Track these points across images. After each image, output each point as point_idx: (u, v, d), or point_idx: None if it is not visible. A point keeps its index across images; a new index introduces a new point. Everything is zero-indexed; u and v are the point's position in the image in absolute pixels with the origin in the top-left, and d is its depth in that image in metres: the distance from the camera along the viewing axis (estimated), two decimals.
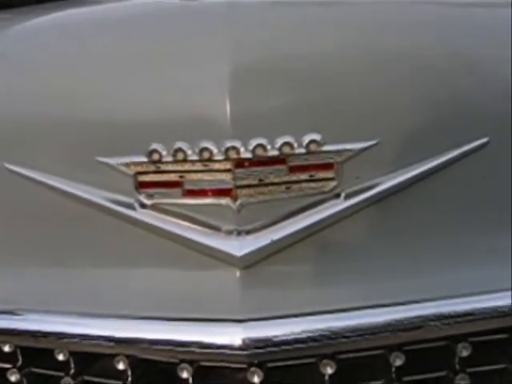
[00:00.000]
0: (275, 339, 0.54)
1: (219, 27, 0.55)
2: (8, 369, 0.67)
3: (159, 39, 0.58)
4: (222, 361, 0.58)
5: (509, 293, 0.57)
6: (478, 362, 0.63)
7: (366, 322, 0.55)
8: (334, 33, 0.57)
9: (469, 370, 0.63)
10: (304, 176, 0.55)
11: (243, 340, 0.54)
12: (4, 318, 0.61)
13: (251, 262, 0.56)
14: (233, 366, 0.61)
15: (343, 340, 0.55)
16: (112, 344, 0.58)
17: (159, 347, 0.57)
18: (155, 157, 0.55)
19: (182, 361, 0.61)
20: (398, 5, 0.59)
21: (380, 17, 0.58)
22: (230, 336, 0.54)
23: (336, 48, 0.56)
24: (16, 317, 0.61)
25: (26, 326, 0.60)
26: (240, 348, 0.54)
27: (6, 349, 0.66)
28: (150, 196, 0.56)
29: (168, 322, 0.56)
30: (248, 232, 0.55)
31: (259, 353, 0.55)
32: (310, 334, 0.54)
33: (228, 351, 0.55)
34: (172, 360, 0.62)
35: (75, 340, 0.59)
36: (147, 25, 0.59)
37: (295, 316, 0.55)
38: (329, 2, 0.59)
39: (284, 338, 0.54)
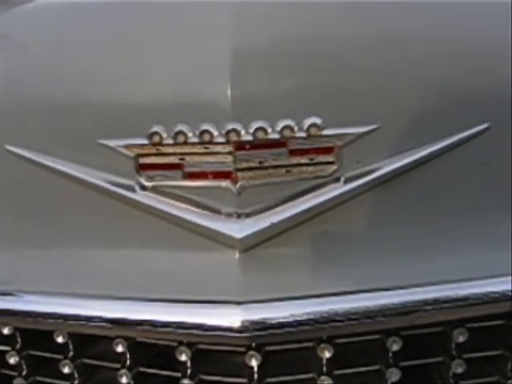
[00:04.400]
0: (274, 321, 0.55)
1: (221, 11, 0.55)
2: (7, 351, 0.68)
3: (160, 22, 0.58)
4: (221, 343, 0.58)
5: (505, 278, 0.58)
6: (474, 348, 0.64)
7: (364, 306, 0.55)
8: (335, 17, 0.57)
9: (465, 355, 0.63)
10: (304, 159, 0.55)
11: (242, 322, 0.54)
12: (3, 299, 0.61)
13: (251, 245, 0.56)
14: (231, 349, 0.61)
15: (341, 323, 0.55)
16: (110, 326, 0.58)
17: (158, 329, 0.57)
18: (156, 139, 0.55)
19: (181, 343, 0.61)
20: None
21: (379, 2, 0.58)
22: (229, 318, 0.54)
23: (337, 32, 0.56)
24: (15, 298, 0.61)
25: (24, 307, 0.60)
26: (239, 330, 0.54)
27: (6, 331, 0.66)
28: (151, 178, 0.56)
29: (167, 304, 0.56)
30: (248, 215, 0.56)
31: (258, 335, 0.55)
32: (308, 317, 0.55)
33: (227, 333, 0.55)
34: (170, 343, 0.62)
35: (74, 321, 0.59)
36: (148, 8, 0.59)
37: (294, 299, 0.55)
38: None
39: (283, 320, 0.55)
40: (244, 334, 0.55)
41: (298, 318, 0.55)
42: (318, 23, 0.55)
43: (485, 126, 0.56)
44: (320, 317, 0.55)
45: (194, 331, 0.56)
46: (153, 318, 0.56)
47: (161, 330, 0.57)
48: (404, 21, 0.57)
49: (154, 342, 0.63)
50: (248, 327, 0.54)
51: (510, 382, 0.65)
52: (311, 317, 0.55)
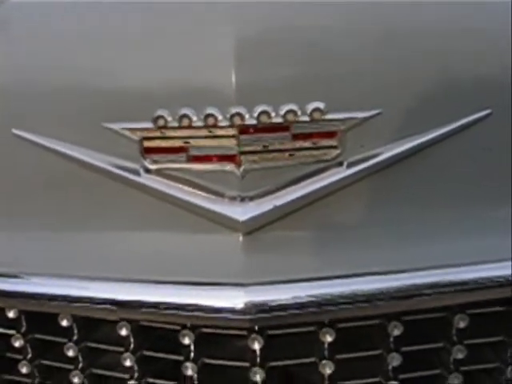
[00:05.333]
0: (277, 303, 0.55)
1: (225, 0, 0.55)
2: (12, 335, 0.69)
3: (166, 13, 0.59)
4: (223, 325, 0.59)
5: (506, 263, 0.58)
6: (475, 334, 0.64)
7: (365, 289, 0.56)
8: (338, 8, 0.58)
9: (466, 341, 0.64)
10: (307, 144, 0.56)
11: (245, 304, 0.55)
12: (8, 282, 0.62)
13: (254, 228, 0.57)
14: (234, 333, 0.62)
15: (343, 306, 0.56)
16: (114, 308, 0.58)
17: (161, 311, 0.57)
18: (161, 122, 0.55)
19: (184, 327, 0.62)
20: None
21: None
22: (233, 300, 0.55)
23: (340, 20, 0.57)
24: (19, 280, 0.62)
25: (29, 288, 0.60)
26: (242, 312, 0.55)
27: (11, 314, 0.67)
28: (155, 161, 0.57)
29: (170, 286, 0.57)
30: (251, 198, 0.56)
31: (261, 317, 0.56)
32: (311, 299, 0.55)
33: (230, 315, 0.56)
34: (174, 327, 0.63)
35: (78, 304, 0.60)
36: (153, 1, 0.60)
37: (297, 281, 0.56)
38: None
39: (286, 302, 0.55)
40: (247, 316, 0.55)
41: (300, 301, 0.55)
42: (322, 13, 0.56)
43: (486, 112, 0.56)
44: (322, 299, 0.55)
45: (197, 313, 0.57)
46: (156, 299, 0.57)
47: (164, 312, 0.58)
48: (403, 13, 0.57)
49: (157, 325, 0.64)
50: (251, 309, 0.55)
51: (510, 368, 0.65)
52: (313, 299, 0.55)
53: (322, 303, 0.56)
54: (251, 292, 0.55)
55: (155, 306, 0.57)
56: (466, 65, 0.57)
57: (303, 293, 0.55)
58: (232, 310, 0.55)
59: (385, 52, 0.56)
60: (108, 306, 0.59)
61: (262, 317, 0.56)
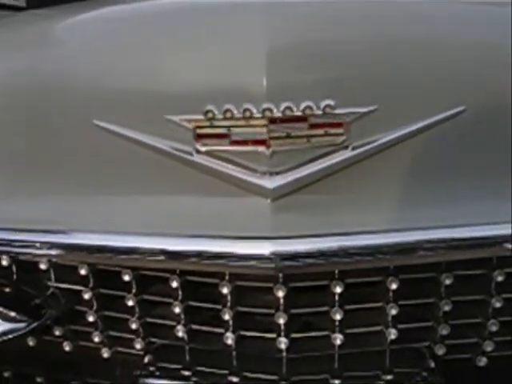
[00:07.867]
0: (296, 252, 0.71)
1: (259, 17, 0.73)
2: (81, 290, 0.85)
3: (213, 25, 0.77)
4: (253, 272, 0.74)
5: (489, 226, 0.72)
6: (461, 293, 0.78)
7: (369, 244, 0.71)
8: (346, 24, 0.76)
9: (453, 298, 0.78)
10: (320, 131, 0.72)
11: (271, 252, 0.71)
12: (80, 238, 0.78)
13: (279, 194, 0.73)
14: (262, 285, 0.77)
15: (350, 258, 0.71)
16: (165, 257, 0.74)
17: (203, 260, 0.73)
18: (209, 115, 0.73)
19: (223, 279, 0.77)
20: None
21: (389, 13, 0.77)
22: (261, 249, 0.71)
23: (348, 36, 0.75)
24: (90, 235, 0.78)
25: (98, 242, 0.77)
26: (268, 258, 0.71)
27: (82, 272, 0.83)
28: (205, 144, 0.74)
29: (212, 239, 0.73)
30: (277, 172, 0.73)
31: (284, 265, 0.71)
32: (323, 250, 0.71)
33: (259, 262, 0.71)
34: (214, 280, 0.78)
35: (137, 255, 0.76)
36: (204, 15, 0.78)
37: (312, 236, 0.72)
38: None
39: (303, 251, 0.71)
40: (272, 264, 0.71)
41: (315, 250, 0.71)
42: (335, 29, 0.74)
43: (461, 108, 0.73)
44: (332, 250, 0.71)
45: (233, 261, 0.72)
46: (200, 249, 0.73)
47: (206, 261, 0.74)
48: (398, 29, 0.75)
49: (201, 280, 0.80)
50: (276, 255, 0.70)
51: (489, 321, 0.79)
52: (326, 250, 0.71)
53: (331, 254, 0.71)
54: (276, 243, 0.71)
55: (200, 254, 0.73)
56: (443, 68, 0.73)
57: (317, 245, 0.71)
58: (260, 257, 0.71)
59: (381, 63, 0.73)
60: (160, 257, 0.75)
61: (285, 265, 0.71)
